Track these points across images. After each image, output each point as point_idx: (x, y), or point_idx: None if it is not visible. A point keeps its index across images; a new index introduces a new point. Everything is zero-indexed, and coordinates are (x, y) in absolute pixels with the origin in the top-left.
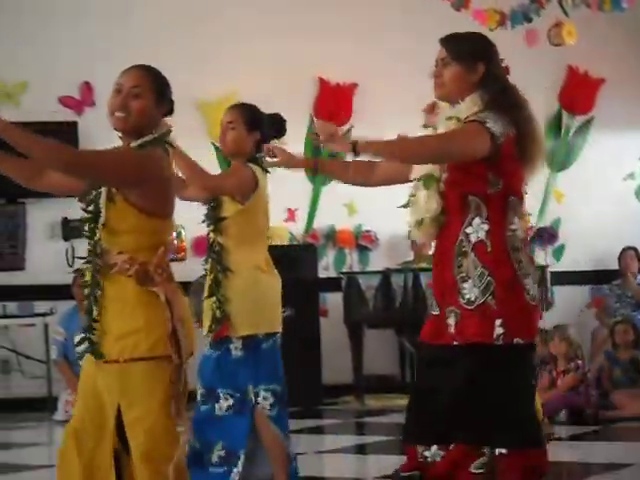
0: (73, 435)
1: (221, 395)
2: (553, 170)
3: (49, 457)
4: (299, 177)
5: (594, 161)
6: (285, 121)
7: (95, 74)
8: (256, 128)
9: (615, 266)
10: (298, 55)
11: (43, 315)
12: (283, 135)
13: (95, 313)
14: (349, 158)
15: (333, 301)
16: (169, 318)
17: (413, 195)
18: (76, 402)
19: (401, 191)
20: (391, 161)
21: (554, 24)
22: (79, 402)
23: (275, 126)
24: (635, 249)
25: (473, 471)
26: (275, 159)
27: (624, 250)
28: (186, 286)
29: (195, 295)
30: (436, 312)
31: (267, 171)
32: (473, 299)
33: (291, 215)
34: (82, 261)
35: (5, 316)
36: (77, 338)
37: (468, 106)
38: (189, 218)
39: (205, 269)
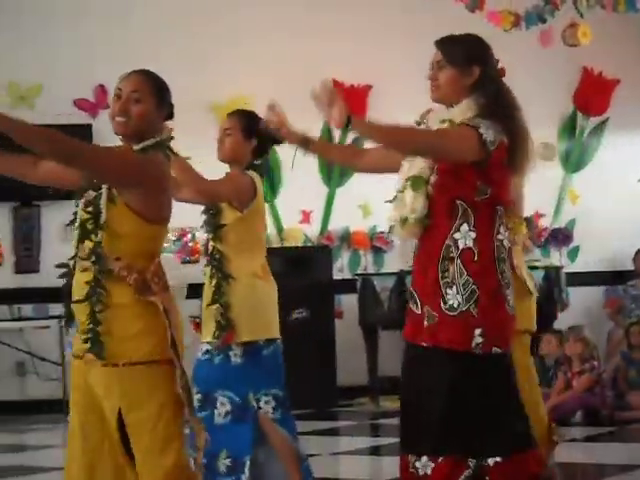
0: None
1: (218, 399)
2: (568, 171)
3: (63, 459)
4: (314, 179)
5: (609, 162)
6: None
7: (109, 77)
8: (253, 135)
9: (630, 267)
10: (312, 56)
11: (58, 317)
12: (282, 142)
13: (98, 315)
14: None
15: (348, 303)
16: (167, 326)
17: (401, 191)
18: (71, 418)
19: None
20: (381, 145)
21: (569, 25)
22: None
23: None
24: None
25: None
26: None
27: (639, 251)
28: (200, 288)
29: None
30: (418, 311)
31: (264, 175)
32: (456, 306)
33: (306, 217)
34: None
35: (20, 318)
36: (72, 338)
37: (462, 110)
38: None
39: (205, 274)
